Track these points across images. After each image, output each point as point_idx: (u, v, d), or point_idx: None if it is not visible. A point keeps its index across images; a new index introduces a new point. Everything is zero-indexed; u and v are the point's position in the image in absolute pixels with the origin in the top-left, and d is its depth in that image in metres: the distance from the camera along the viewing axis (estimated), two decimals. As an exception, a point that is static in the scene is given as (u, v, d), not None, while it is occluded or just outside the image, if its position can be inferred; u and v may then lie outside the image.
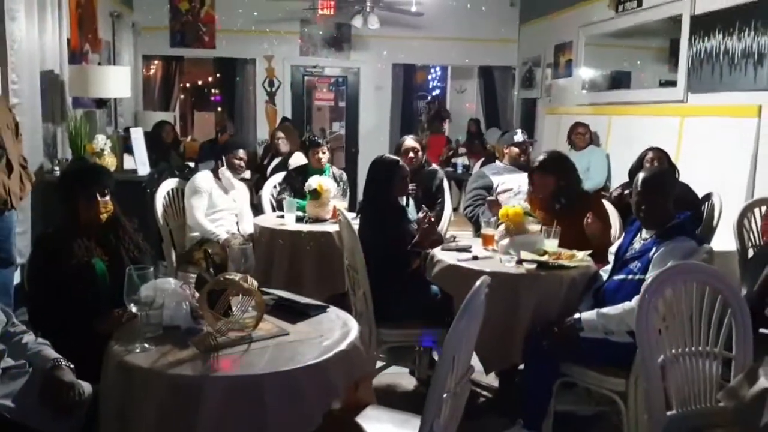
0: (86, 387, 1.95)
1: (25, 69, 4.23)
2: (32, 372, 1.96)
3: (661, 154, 3.95)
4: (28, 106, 4.28)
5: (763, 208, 3.64)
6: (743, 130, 4.23)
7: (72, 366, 1.97)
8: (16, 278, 3.79)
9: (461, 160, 7.62)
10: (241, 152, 4.29)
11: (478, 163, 6.28)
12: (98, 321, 2.18)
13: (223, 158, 4.24)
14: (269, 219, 4.12)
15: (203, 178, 4.19)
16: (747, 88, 4.21)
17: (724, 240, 3.69)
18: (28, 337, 2.03)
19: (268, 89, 8.16)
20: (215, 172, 4.23)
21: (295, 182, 4.31)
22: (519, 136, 4.27)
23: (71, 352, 2.03)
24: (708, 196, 3.89)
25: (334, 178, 4.30)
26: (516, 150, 4.21)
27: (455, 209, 5.24)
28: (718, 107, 4.53)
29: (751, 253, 3.55)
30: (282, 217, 3.98)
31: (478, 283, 1.79)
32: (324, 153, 4.42)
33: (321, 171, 4.35)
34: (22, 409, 1.85)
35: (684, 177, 3.97)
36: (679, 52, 4.93)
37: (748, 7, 4.20)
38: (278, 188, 4.51)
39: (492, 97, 8.81)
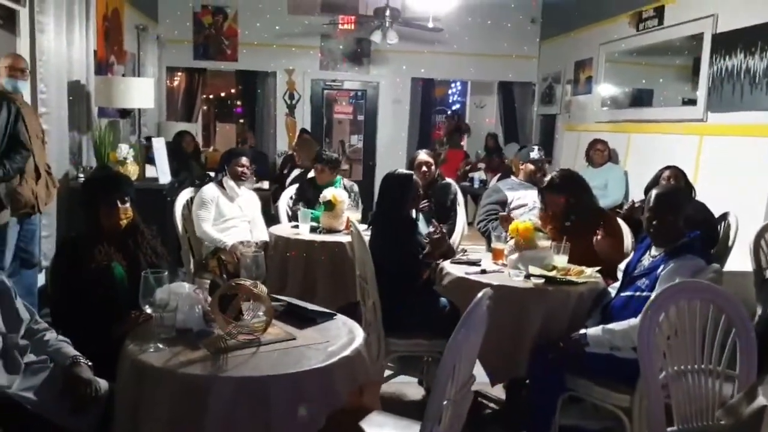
0: (103, 384, 2.03)
1: (53, 79, 4.38)
2: (53, 368, 2.05)
3: (677, 173, 3.95)
4: (55, 115, 4.42)
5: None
6: (762, 150, 4.22)
7: (90, 363, 2.05)
8: (41, 280, 3.92)
9: (478, 175, 7.65)
10: (244, 159, 4.40)
11: (495, 178, 6.32)
12: (116, 326, 2.25)
13: (226, 168, 4.34)
14: (284, 229, 4.21)
15: (209, 189, 4.31)
16: (767, 107, 4.21)
17: (740, 260, 3.68)
18: (50, 335, 2.12)
19: (289, 102, 8.29)
20: (220, 183, 4.33)
21: (307, 193, 4.40)
22: (535, 153, 4.29)
23: (90, 351, 2.12)
24: (724, 216, 3.88)
25: (345, 189, 4.38)
26: (531, 167, 4.24)
27: (470, 223, 5.28)
28: (737, 126, 4.52)
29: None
30: (297, 227, 4.06)
31: (480, 294, 1.83)
32: (322, 171, 4.47)
33: (331, 183, 4.42)
34: (43, 403, 1.93)
35: (702, 196, 3.97)
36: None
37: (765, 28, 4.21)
38: (293, 199, 4.60)
39: (511, 112, 8.85)
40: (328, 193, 3.96)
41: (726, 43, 4.64)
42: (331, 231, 3.97)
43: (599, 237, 3.20)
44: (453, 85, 11.11)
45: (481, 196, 4.66)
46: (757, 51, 4.31)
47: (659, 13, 5.56)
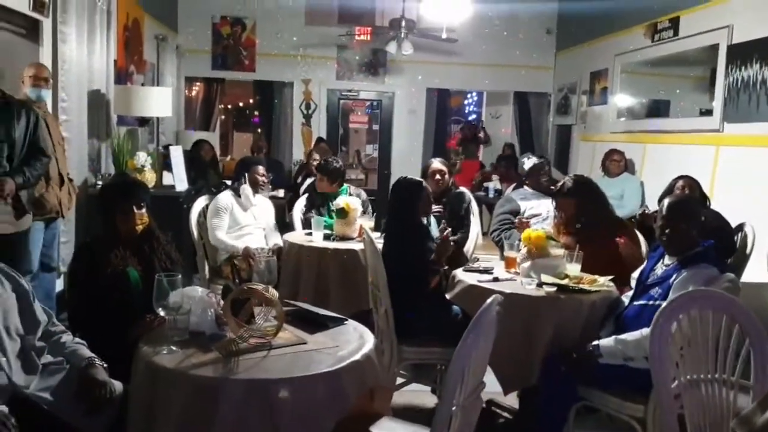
0: (117, 385, 2.06)
1: (73, 88, 4.48)
2: (69, 369, 2.08)
3: (691, 182, 3.93)
4: (76, 123, 4.51)
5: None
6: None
7: (105, 365, 2.09)
8: (59, 285, 3.98)
9: (493, 185, 7.64)
10: (261, 169, 4.44)
11: (510, 188, 6.30)
12: (131, 329, 2.29)
13: (246, 176, 4.37)
14: (298, 236, 4.24)
15: (223, 197, 4.34)
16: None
17: (757, 271, 3.64)
18: (67, 337, 2.16)
19: (305, 112, 8.37)
20: (236, 190, 4.37)
21: (316, 201, 4.43)
22: (528, 163, 4.28)
23: (106, 353, 2.15)
24: (741, 226, 3.84)
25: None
26: (533, 178, 4.24)
27: (485, 233, 5.27)
28: (754, 137, 4.49)
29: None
30: (310, 234, 4.08)
31: (488, 300, 1.83)
32: (321, 180, 4.52)
33: (335, 194, 4.45)
34: (58, 403, 1.97)
35: (718, 206, 3.93)
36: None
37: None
38: (305, 207, 4.64)
39: (527, 122, 8.85)
40: (341, 201, 3.99)
41: (742, 53, 4.62)
42: (344, 238, 3.99)
43: (623, 241, 3.18)
44: (469, 95, 11.13)
45: (495, 206, 4.66)
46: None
47: (674, 24, 5.55)
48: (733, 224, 3.82)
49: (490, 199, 7.46)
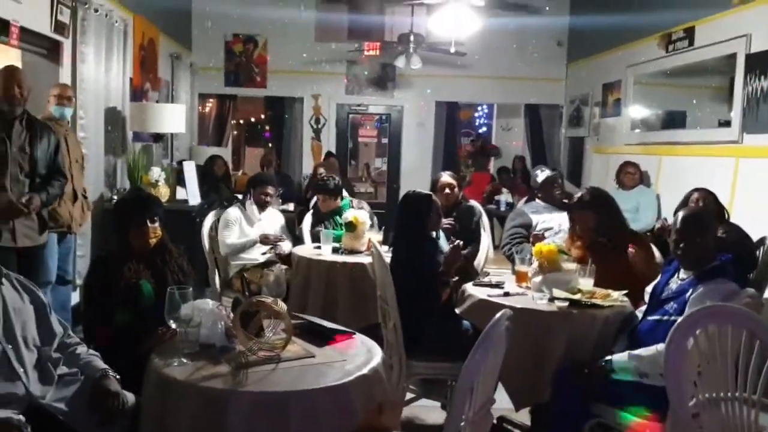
0: (130, 397, 2.08)
1: (91, 106, 4.58)
2: (83, 380, 2.11)
3: (707, 195, 3.86)
4: (93, 139, 4.61)
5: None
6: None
7: (118, 377, 2.10)
8: (75, 298, 4.04)
9: (504, 198, 7.61)
10: (269, 188, 4.46)
11: (522, 201, 6.29)
12: (144, 341, 2.30)
13: (251, 191, 4.40)
14: (307, 250, 4.26)
15: (232, 211, 4.39)
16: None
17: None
18: (81, 348, 2.19)
19: (314, 126, 8.43)
20: (243, 205, 4.42)
21: (323, 216, 4.46)
22: (541, 175, 4.26)
23: (119, 365, 2.17)
24: (763, 240, 3.77)
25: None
26: (545, 191, 4.21)
27: (497, 246, 5.25)
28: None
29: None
30: (319, 248, 4.10)
31: (497, 315, 1.83)
32: (324, 201, 4.56)
33: (339, 212, 4.47)
34: (73, 414, 1.99)
35: (739, 219, 3.86)
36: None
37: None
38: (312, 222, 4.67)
39: (538, 135, 8.83)
40: (349, 215, 4.00)
41: (761, 62, 4.55)
42: (352, 252, 4.00)
43: (633, 251, 3.15)
44: (479, 107, 11.14)
45: (507, 219, 4.64)
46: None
47: (690, 34, 5.49)
48: (755, 238, 3.75)
49: (501, 212, 7.43)
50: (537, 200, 4.38)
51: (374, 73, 8.33)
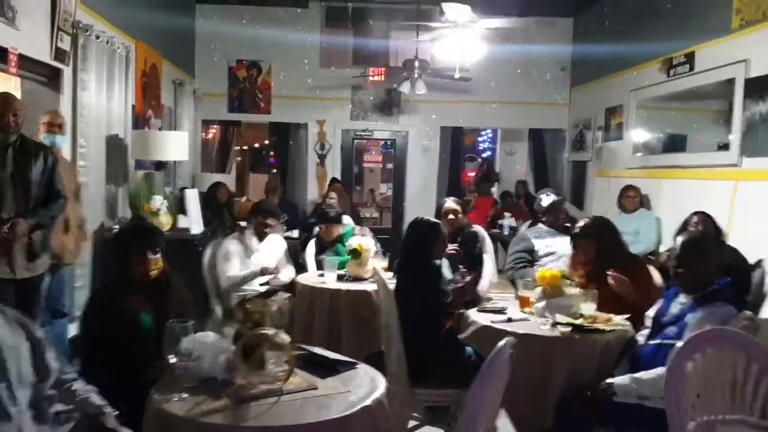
0: None
1: (92, 134, 4.58)
2: (79, 418, 2.07)
3: (705, 218, 3.89)
4: (94, 168, 4.60)
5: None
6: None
7: (116, 413, 2.08)
8: (73, 330, 4.00)
9: (508, 222, 7.60)
10: (270, 220, 4.38)
11: (525, 225, 6.27)
12: (149, 372, 2.28)
13: (253, 221, 4.39)
14: (310, 277, 4.25)
15: (229, 242, 4.31)
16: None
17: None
18: (78, 384, 2.16)
19: (319, 152, 8.46)
20: (242, 233, 4.39)
21: (324, 243, 4.46)
22: (546, 200, 4.26)
23: (117, 399, 2.15)
24: (759, 263, 3.78)
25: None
26: (550, 215, 4.21)
27: (501, 271, 5.23)
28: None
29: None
30: (323, 275, 4.09)
31: (501, 343, 1.82)
32: (327, 230, 4.59)
33: (342, 239, 4.46)
34: None
35: (736, 242, 3.87)
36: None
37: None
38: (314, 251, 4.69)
39: (542, 159, 8.86)
40: (354, 242, 4.01)
41: (759, 87, 4.60)
42: (357, 279, 3.99)
43: (614, 281, 3.14)
44: (483, 132, 11.20)
45: (510, 243, 4.63)
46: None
47: (690, 59, 5.56)
48: (754, 260, 3.76)
49: (505, 236, 7.41)
50: (540, 224, 4.38)
51: (379, 99, 8.39)
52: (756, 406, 2.03)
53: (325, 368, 2.21)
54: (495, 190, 9.26)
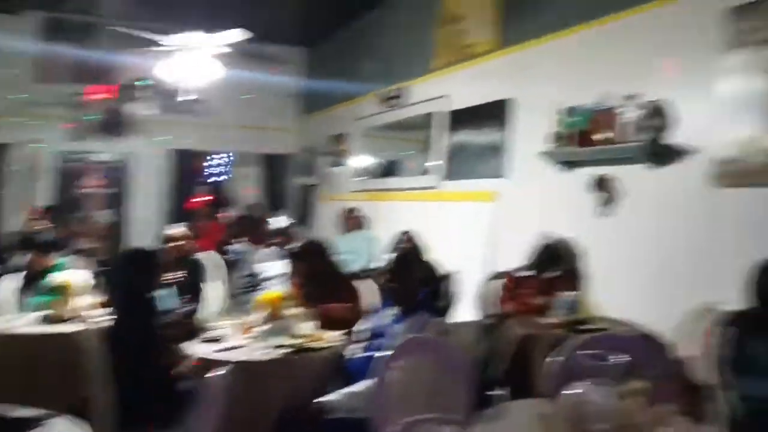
0: None
1: None
2: None
3: (410, 236, 4.33)
4: None
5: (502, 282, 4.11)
6: (479, 213, 4.86)
7: None
8: None
9: (237, 247, 7.55)
10: None
11: (254, 249, 6.31)
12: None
13: None
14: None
15: None
16: (486, 175, 4.87)
17: (465, 311, 4.10)
18: None
19: (30, 175, 7.44)
20: None
21: (34, 276, 3.95)
22: (275, 224, 4.40)
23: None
24: (450, 274, 4.27)
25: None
26: (281, 238, 4.33)
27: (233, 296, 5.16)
28: (465, 193, 5.15)
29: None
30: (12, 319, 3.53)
31: (211, 374, 1.79)
32: (34, 257, 4.08)
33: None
34: None
35: (437, 256, 4.36)
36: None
37: (483, 109, 4.96)
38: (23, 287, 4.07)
39: (273, 183, 9.04)
40: (57, 277, 3.56)
41: (455, 120, 5.32)
42: (59, 320, 3.51)
43: (322, 308, 3.33)
44: (216, 156, 10.98)
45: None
46: (479, 127, 5.01)
47: (401, 93, 6.23)
48: (451, 270, 4.26)
49: (234, 260, 7.36)
50: (268, 248, 4.46)
51: (104, 119, 7.69)
52: (447, 402, 2.27)
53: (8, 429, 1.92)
54: (227, 214, 9.15)
